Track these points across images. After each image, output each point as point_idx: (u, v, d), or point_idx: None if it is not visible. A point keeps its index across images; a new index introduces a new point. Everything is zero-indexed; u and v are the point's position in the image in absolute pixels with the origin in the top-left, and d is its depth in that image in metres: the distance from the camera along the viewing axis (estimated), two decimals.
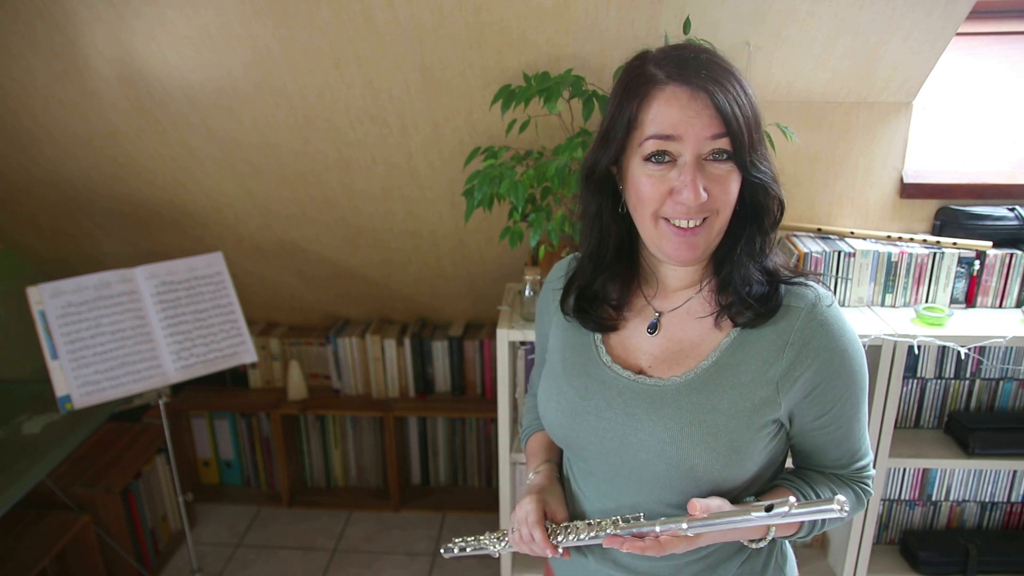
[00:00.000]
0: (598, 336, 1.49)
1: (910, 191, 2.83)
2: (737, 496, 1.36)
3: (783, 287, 1.35)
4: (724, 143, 1.23)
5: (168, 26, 2.56)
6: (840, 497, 1.20)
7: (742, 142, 1.23)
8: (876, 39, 2.51)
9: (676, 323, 1.42)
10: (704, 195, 1.24)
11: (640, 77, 1.28)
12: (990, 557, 2.83)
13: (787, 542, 1.54)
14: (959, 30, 2.50)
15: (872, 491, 1.45)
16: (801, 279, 1.37)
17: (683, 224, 1.28)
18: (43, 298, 2.71)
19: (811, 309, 1.32)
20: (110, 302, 2.81)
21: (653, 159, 1.26)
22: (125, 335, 2.81)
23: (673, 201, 1.26)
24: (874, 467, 1.52)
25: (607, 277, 1.46)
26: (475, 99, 2.73)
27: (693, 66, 1.24)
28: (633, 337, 1.46)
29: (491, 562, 3.42)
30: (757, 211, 1.32)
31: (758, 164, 1.27)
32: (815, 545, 3.03)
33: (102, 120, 2.94)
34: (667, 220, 1.29)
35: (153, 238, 3.54)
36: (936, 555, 2.85)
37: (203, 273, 3.00)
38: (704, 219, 1.28)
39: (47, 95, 2.86)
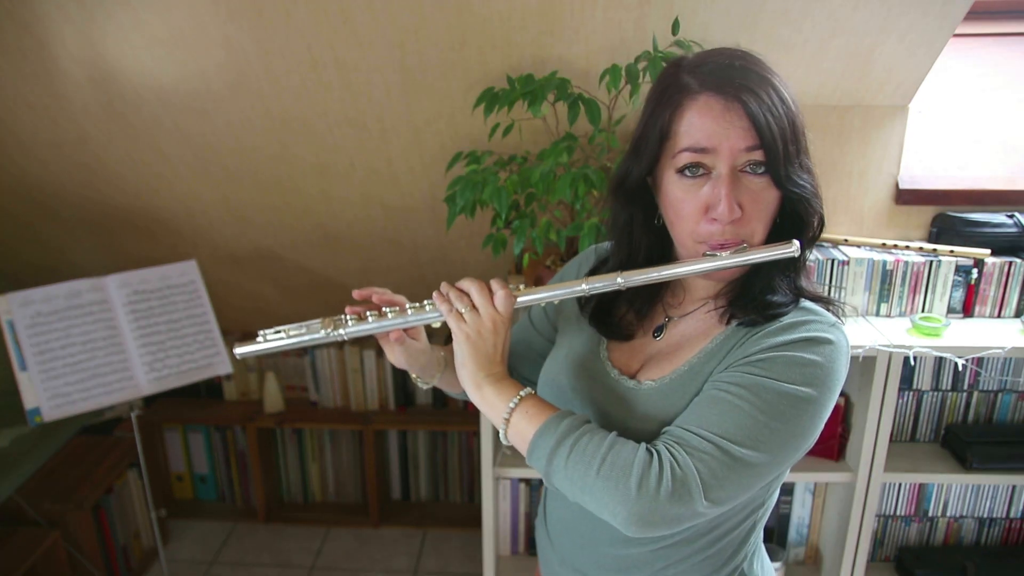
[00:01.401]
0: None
1: (906, 197, 2.80)
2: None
3: (801, 300, 1.30)
4: (759, 155, 1.19)
5: (141, 27, 2.51)
6: (796, 241, 1.21)
7: (776, 154, 1.18)
8: (871, 40, 2.49)
9: (682, 325, 1.39)
10: (738, 211, 1.19)
11: (674, 86, 1.24)
12: (988, 574, 2.78)
13: (762, 564, 1.50)
14: (956, 31, 2.48)
15: (667, 453, 1.18)
16: (824, 300, 1.32)
17: (719, 241, 1.23)
18: (11, 308, 2.68)
19: (803, 315, 1.27)
20: (81, 312, 2.77)
21: (687, 172, 1.22)
22: (96, 346, 2.78)
23: (708, 219, 1.22)
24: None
25: (636, 289, 1.38)
26: (457, 102, 2.69)
27: (728, 74, 1.20)
28: (641, 343, 1.44)
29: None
30: (796, 225, 1.27)
31: (795, 178, 1.21)
32: (808, 562, 2.97)
33: (72, 124, 2.90)
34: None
35: (125, 246, 3.50)
36: (933, 572, 2.81)
37: (176, 282, 2.97)
38: (743, 242, 1.23)
39: (15, 98, 2.82)
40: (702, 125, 1.19)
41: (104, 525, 3.36)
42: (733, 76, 1.19)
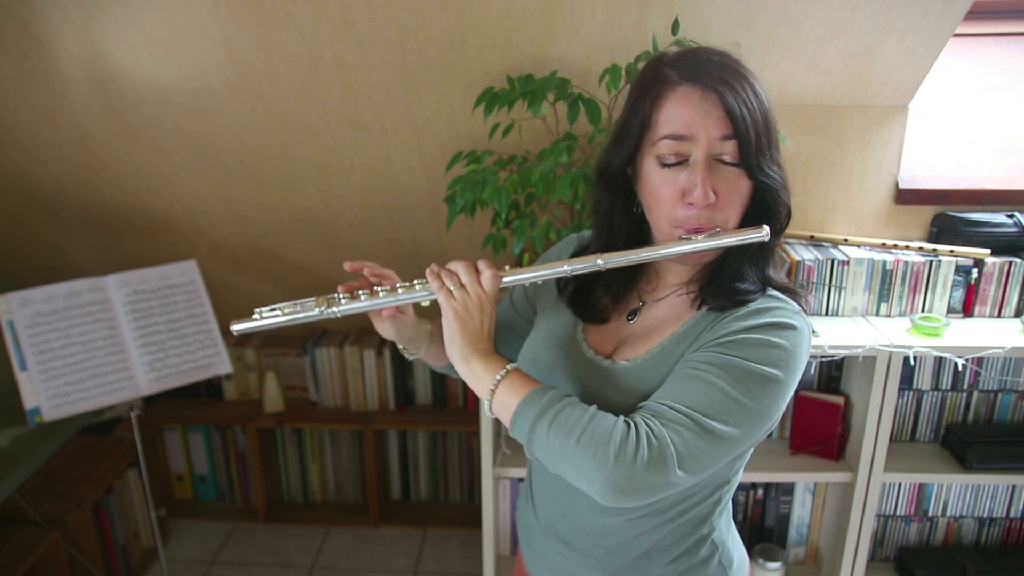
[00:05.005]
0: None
1: (906, 197, 2.79)
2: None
3: (768, 289, 1.37)
4: (732, 144, 1.26)
5: (140, 27, 2.50)
6: (766, 226, 1.28)
7: (749, 144, 1.25)
8: (871, 40, 2.48)
9: (655, 310, 1.47)
10: (713, 196, 1.26)
11: (655, 78, 1.31)
12: (988, 574, 2.77)
13: (732, 536, 1.59)
14: (956, 31, 2.47)
15: (644, 425, 1.22)
16: (789, 290, 1.39)
17: (695, 225, 1.30)
18: (11, 307, 2.66)
19: (769, 302, 1.34)
20: (80, 311, 2.76)
21: (666, 163, 1.29)
22: (96, 345, 2.76)
23: (684, 204, 1.29)
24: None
25: (612, 274, 1.46)
26: (457, 102, 2.69)
27: (706, 68, 1.27)
28: (616, 325, 1.51)
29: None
30: (765, 217, 1.33)
31: (766, 169, 1.28)
32: (808, 562, 2.97)
33: (72, 124, 2.88)
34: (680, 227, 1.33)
35: (125, 246, 3.49)
36: (933, 572, 2.80)
37: (176, 282, 2.95)
38: (716, 227, 1.31)
39: (14, 98, 2.80)
40: (681, 114, 1.26)
41: (104, 525, 3.34)
42: (711, 70, 1.26)
